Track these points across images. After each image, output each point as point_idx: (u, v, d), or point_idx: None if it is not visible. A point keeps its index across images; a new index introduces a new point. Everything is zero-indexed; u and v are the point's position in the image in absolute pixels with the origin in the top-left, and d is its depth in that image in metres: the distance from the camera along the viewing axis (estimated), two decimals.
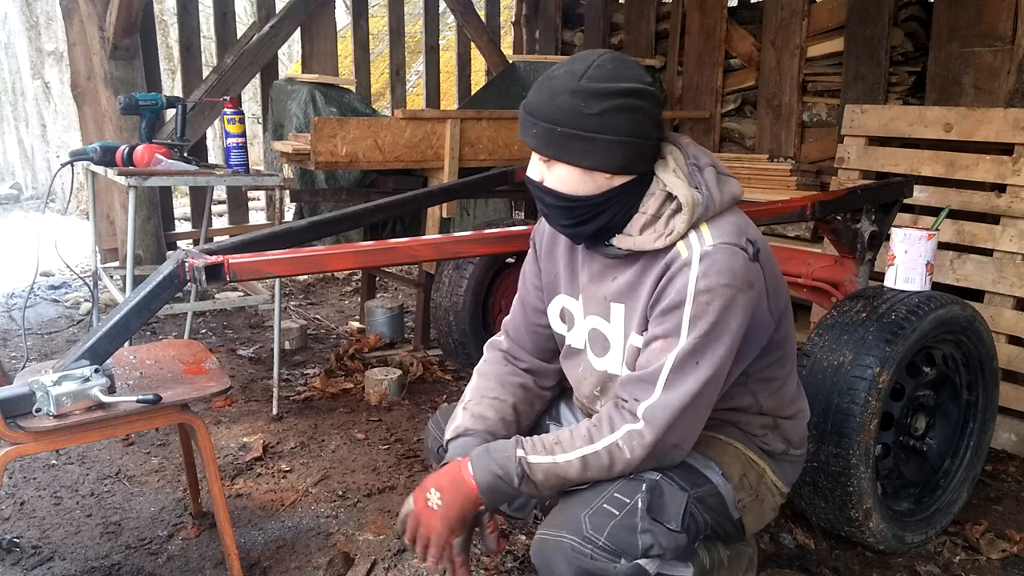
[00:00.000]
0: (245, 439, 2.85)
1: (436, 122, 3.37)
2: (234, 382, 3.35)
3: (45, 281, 5.02)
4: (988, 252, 2.93)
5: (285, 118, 4.02)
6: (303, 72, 5.17)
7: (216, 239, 4.69)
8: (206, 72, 5.07)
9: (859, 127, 3.35)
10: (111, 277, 3.45)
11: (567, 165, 1.36)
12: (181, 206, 6.74)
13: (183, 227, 5.53)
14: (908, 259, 2.17)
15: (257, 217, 6.61)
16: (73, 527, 2.28)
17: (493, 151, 3.50)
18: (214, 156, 7.57)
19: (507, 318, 1.69)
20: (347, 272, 5.27)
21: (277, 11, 5.20)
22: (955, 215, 2.97)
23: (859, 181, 3.31)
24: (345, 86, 4.08)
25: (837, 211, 2.48)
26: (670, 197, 1.38)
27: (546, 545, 1.33)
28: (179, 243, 5.02)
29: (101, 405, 1.59)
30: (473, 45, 6.03)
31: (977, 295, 2.92)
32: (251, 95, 8.67)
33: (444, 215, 3.46)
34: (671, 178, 1.38)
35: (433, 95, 6.02)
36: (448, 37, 7.28)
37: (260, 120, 6.72)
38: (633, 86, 1.32)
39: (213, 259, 1.65)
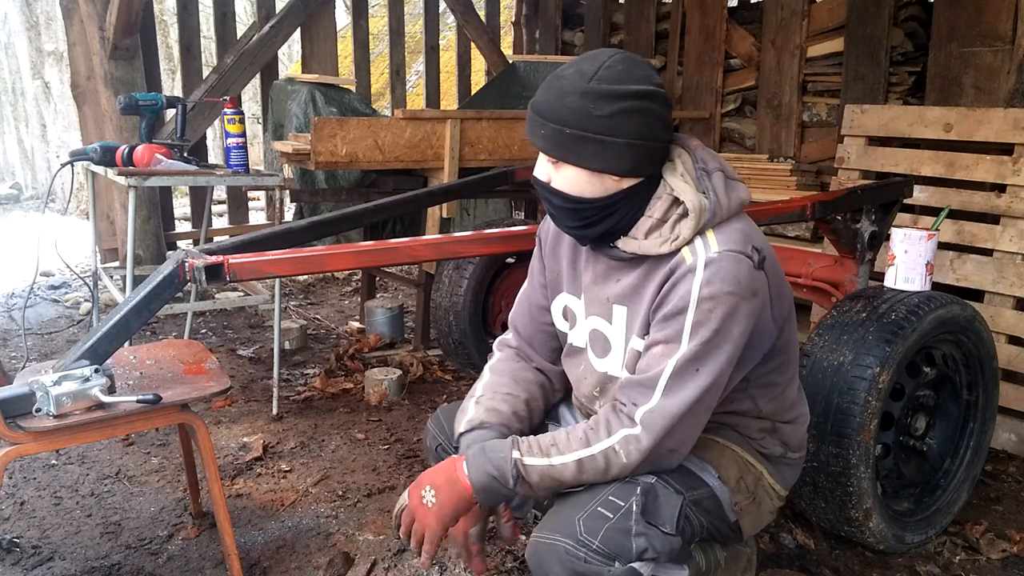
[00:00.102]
0: (245, 439, 2.85)
1: (436, 122, 3.37)
2: (234, 382, 3.35)
3: (45, 281, 5.02)
4: (988, 252, 2.93)
5: (285, 118, 4.02)
6: (303, 72, 5.17)
7: (216, 239, 4.69)
8: (206, 72, 5.07)
9: (859, 127, 3.35)
10: (111, 277, 3.45)
11: (575, 167, 1.35)
12: (181, 206, 6.75)
13: (183, 227, 5.53)
14: (908, 259, 2.16)
15: (257, 217, 6.61)
16: (73, 527, 2.28)
17: (493, 151, 3.50)
18: (214, 156, 7.57)
19: (514, 316, 1.68)
20: (347, 272, 5.27)
21: (277, 11, 5.20)
22: (955, 215, 2.97)
23: (859, 181, 3.31)
24: (345, 86, 4.08)
25: (837, 211, 2.48)
26: (676, 202, 1.37)
27: (540, 548, 1.33)
28: (179, 243, 5.03)
29: (101, 405, 1.59)
30: (473, 45, 6.03)
31: (977, 295, 2.92)
32: (251, 95, 8.67)
33: (444, 215, 3.46)
34: (678, 182, 1.37)
35: (433, 95, 6.02)
36: (448, 37, 7.28)
37: (260, 120, 6.72)
38: (644, 88, 1.31)
39: (213, 259, 1.65)
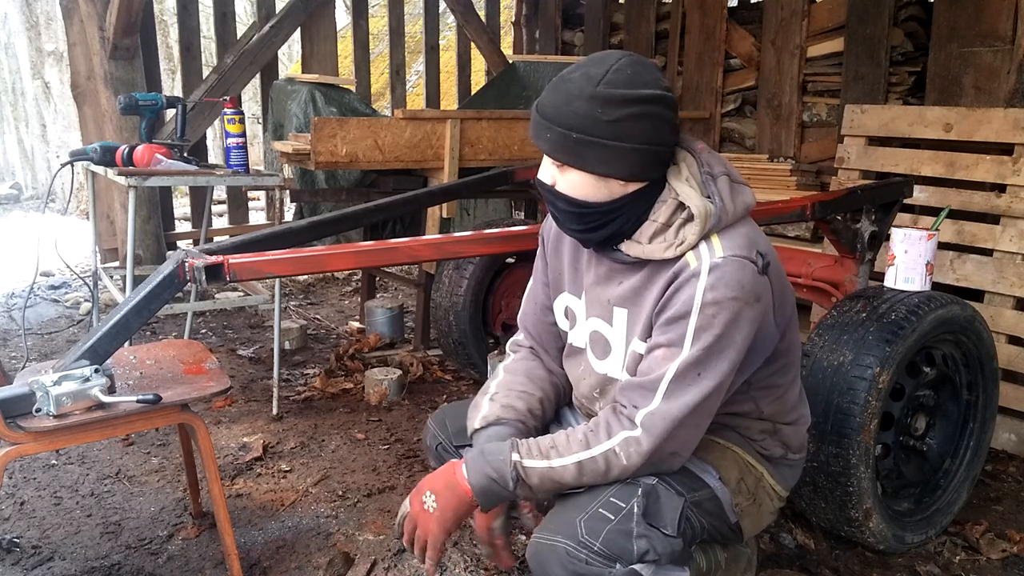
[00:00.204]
0: (245, 439, 2.85)
1: (436, 122, 3.37)
2: (234, 382, 3.35)
3: (45, 281, 5.02)
4: (988, 252, 2.93)
5: (285, 118, 4.02)
6: (303, 72, 5.17)
7: (216, 239, 4.70)
8: (206, 72, 5.07)
9: (859, 127, 3.35)
10: (111, 277, 3.45)
11: (581, 171, 1.33)
12: (181, 206, 6.75)
13: (183, 227, 5.53)
14: (908, 259, 2.16)
15: (257, 217, 6.61)
16: (73, 527, 2.28)
17: (493, 151, 3.50)
18: (214, 156, 7.57)
19: (522, 316, 1.68)
20: (347, 272, 5.27)
21: (277, 11, 5.20)
22: (955, 215, 2.97)
23: (859, 181, 3.30)
24: (345, 86, 4.08)
25: (837, 211, 2.48)
26: (681, 206, 1.36)
27: (541, 549, 1.32)
28: (179, 243, 5.03)
29: (101, 405, 1.59)
30: (473, 45, 6.03)
31: (977, 295, 2.92)
32: (251, 95, 8.67)
33: (444, 215, 3.46)
34: (683, 187, 1.36)
35: (433, 95, 6.03)
36: (448, 37, 7.28)
37: (260, 120, 6.73)
38: (652, 92, 1.30)
39: (213, 259, 1.65)
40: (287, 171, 3.92)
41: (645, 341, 1.39)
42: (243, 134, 3.15)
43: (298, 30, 5.32)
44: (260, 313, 4.40)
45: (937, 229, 2.36)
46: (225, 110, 3.16)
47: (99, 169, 3.07)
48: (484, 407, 1.52)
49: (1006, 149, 2.94)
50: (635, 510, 1.31)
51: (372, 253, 1.94)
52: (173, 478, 2.56)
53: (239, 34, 5.15)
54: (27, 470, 2.60)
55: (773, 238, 3.72)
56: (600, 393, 1.51)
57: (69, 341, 3.93)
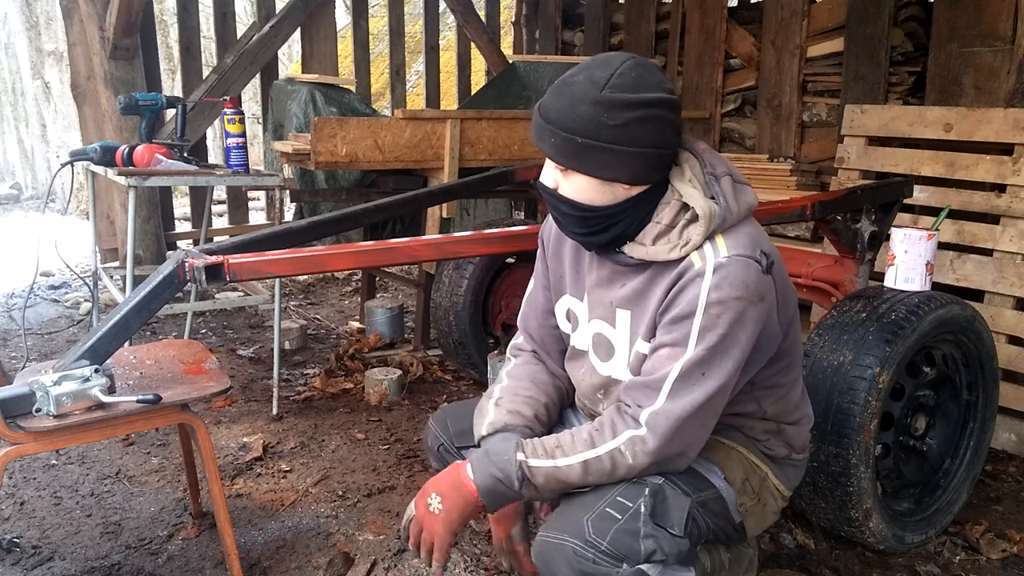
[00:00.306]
0: (245, 439, 2.85)
1: (436, 122, 3.37)
2: (234, 382, 3.35)
3: (45, 281, 5.02)
4: (988, 252, 2.93)
5: (285, 118, 4.02)
6: (303, 72, 5.17)
7: (216, 239, 4.70)
8: (206, 72, 5.07)
9: (859, 127, 3.35)
10: (111, 277, 3.45)
11: (585, 175, 1.33)
12: (181, 206, 6.75)
13: (183, 227, 5.53)
14: (908, 259, 2.16)
15: (257, 217, 6.61)
16: (73, 527, 2.28)
17: (493, 151, 3.50)
18: (214, 156, 7.57)
19: (523, 319, 1.67)
20: (347, 272, 5.27)
21: (277, 11, 5.20)
22: (955, 215, 2.97)
23: (859, 181, 3.31)
24: (345, 86, 4.08)
25: (837, 211, 2.48)
26: (685, 207, 1.36)
27: (548, 547, 1.32)
28: (179, 243, 5.03)
29: (101, 405, 1.59)
30: (473, 45, 6.03)
31: (977, 295, 2.92)
32: (251, 95, 8.67)
33: (444, 215, 3.46)
34: (687, 188, 1.36)
35: (433, 95, 6.03)
36: (448, 37, 7.29)
37: (260, 120, 6.73)
38: (657, 96, 1.29)
39: (213, 259, 1.65)
40: (287, 171, 3.92)
41: (649, 341, 1.39)
42: (243, 134, 3.15)
43: (298, 30, 5.32)
44: (260, 313, 4.40)
45: (937, 229, 2.36)
46: (225, 110, 3.16)
47: (99, 169, 3.07)
48: (490, 413, 1.50)
49: (1006, 149, 2.94)
50: (642, 510, 1.31)
51: (372, 253, 1.94)
52: (173, 478, 2.56)
53: (239, 34, 5.15)
54: (27, 470, 2.60)
55: (773, 238, 3.71)
56: (604, 394, 1.51)
57: (69, 341, 3.93)
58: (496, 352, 3.05)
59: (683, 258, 1.34)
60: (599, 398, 1.52)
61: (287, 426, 2.97)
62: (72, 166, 3.20)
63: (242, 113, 3.19)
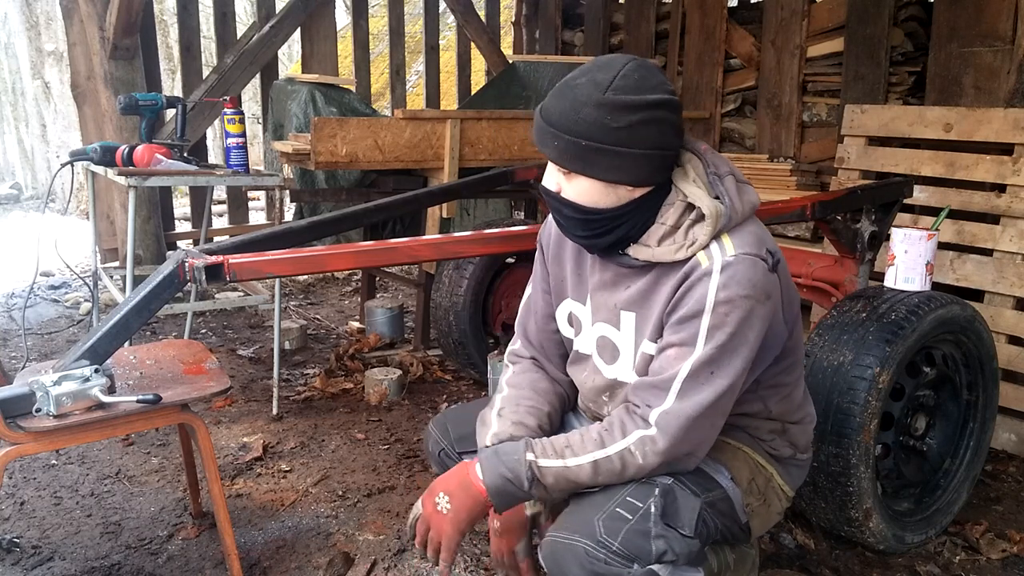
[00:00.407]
0: (245, 439, 2.85)
1: (436, 122, 3.37)
2: (234, 382, 3.35)
3: (45, 281, 5.02)
4: (988, 252, 2.93)
5: (285, 118, 4.02)
6: (303, 72, 5.17)
7: (216, 239, 4.70)
8: (206, 72, 5.07)
9: (859, 127, 3.35)
10: (111, 277, 3.46)
11: (590, 178, 1.33)
12: (181, 206, 6.75)
13: (183, 227, 5.53)
14: (908, 259, 2.16)
15: (257, 217, 6.62)
16: (73, 527, 2.28)
17: (493, 151, 3.50)
18: (214, 156, 7.58)
19: (521, 325, 1.66)
20: (347, 272, 5.27)
21: (277, 11, 5.20)
22: (955, 215, 2.97)
23: (859, 181, 3.31)
24: (345, 86, 4.08)
25: (837, 211, 2.48)
26: (689, 207, 1.36)
27: (558, 548, 1.31)
28: (179, 243, 5.03)
29: (101, 405, 1.59)
30: (473, 45, 6.03)
31: (977, 295, 2.92)
32: (251, 95, 8.67)
33: (444, 215, 3.46)
34: (691, 188, 1.36)
35: (433, 95, 6.03)
36: (448, 37, 7.28)
37: (260, 120, 6.73)
38: (661, 97, 1.29)
39: (213, 259, 1.65)
40: (287, 171, 3.92)
41: (655, 342, 1.39)
42: (243, 134, 3.15)
43: (298, 30, 5.32)
44: (260, 313, 4.40)
45: (937, 229, 2.36)
46: (225, 110, 3.16)
47: (99, 169, 3.07)
48: (494, 424, 1.49)
49: (1006, 149, 2.94)
50: (652, 510, 1.31)
51: (372, 253, 1.94)
52: (173, 478, 2.56)
53: (239, 34, 5.15)
54: (27, 470, 2.60)
55: (773, 238, 3.72)
56: (609, 397, 1.51)
57: (69, 341, 3.93)
58: (496, 352, 3.05)
59: (689, 258, 1.34)
60: (604, 400, 1.52)
61: (287, 426, 2.97)
62: (72, 166, 3.20)
63: (242, 113, 3.19)
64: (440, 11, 6.09)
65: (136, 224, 3.06)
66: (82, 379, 1.57)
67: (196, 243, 4.86)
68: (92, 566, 2.09)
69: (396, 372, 3.31)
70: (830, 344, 2.05)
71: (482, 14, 6.10)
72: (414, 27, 8.47)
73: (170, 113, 4.27)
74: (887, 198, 2.54)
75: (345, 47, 6.19)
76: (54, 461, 2.67)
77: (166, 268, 1.67)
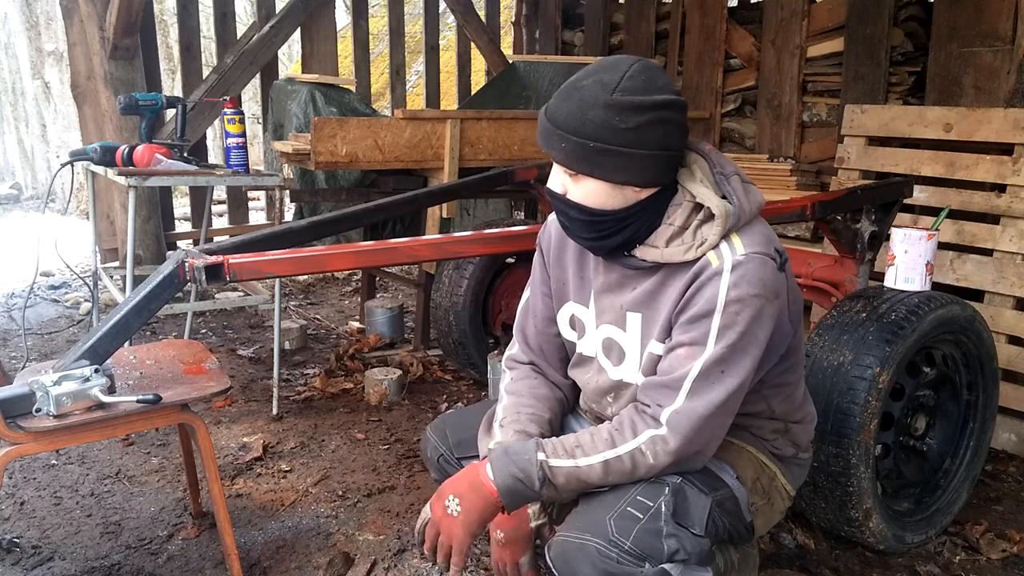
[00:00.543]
0: (245, 439, 2.85)
1: (436, 122, 3.37)
2: (234, 382, 3.35)
3: (45, 281, 5.02)
4: (988, 252, 2.93)
5: (285, 118, 4.02)
6: (303, 72, 5.17)
7: (216, 239, 4.70)
8: (206, 72, 5.07)
9: (859, 127, 3.35)
10: (111, 277, 3.45)
11: (596, 180, 1.33)
12: (181, 206, 6.75)
13: (183, 227, 5.53)
14: (908, 259, 2.17)
15: (257, 217, 6.61)
16: (73, 527, 2.28)
17: (493, 151, 3.50)
18: (214, 156, 7.57)
19: (519, 329, 1.65)
20: (347, 272, 5.27)
21: (277, 11, 5.20)
22: (955, 215, 2.97)
23: (859, 181, 3.31)
24: (345, 86, 4.08)
25: (837, 211, 2.48)
26: (697, 207, 1.36)
27: (569, 548, 1.31)
28: (179, 243, 5.03)
29: (101, 405, 1.59)
30: (473, 45, 6.03)
31: (977, 295, 2.92)
32: (251, 95, 8.67)
33: (444, 215, 3.46)
34: (699, 188, 1.36)
35: (433, 95, 6.02)
36: (448, 37, 7.28)
37: (260, 120, 6.73)
38: (668, 98, 1.30)
39: (213, 259, 1.65)
40: (287, 171, 3.92)
41: (663, 342, 1.39)
42: (243, 134, 3.15)
43: (298, 30, 5.32)
44: (260, 313, 4.40)
45: (937, 229, 2.36)
46: (225, 110, 3.16)
47: (99, 169, 3.07)
48: (496, 435, 1.49)
49: (1006, 149, 2.94)
50: (663, 509, 1.31)
51: (372, 253, 1.94)
52: (173, 478, 2.56)
53: (239, 34, 5.15)
54: (27, 470, 2.60)
55: None
56: (614, 398, 1.51)
57: (69, 341, 3.93)
58: (496, 352, 3.05)
59: (699, 258, 1.34)
60: (608, 401, 1.52)
61: (287, 426, 2.97)
62: (72, 166, 3.20)
63: (242, 113, 3.19)
64: (440, 11, 6.09)
65: (136, 224, 3.06)
66: (82, 379, 1.57)
67: (196, 243, 4.86)
68: (92, 566, 2.09)
69: (396, 372, 3.31)
70: (830, 344, 2.05)
71: (482, 14, 6.10)
72: (414, 27, 8.47)
73: (170, 113, 4.27)
74: (887, 198, 2.54)
75: (345, 47, 6.19)
76: (54, 461, 2.67)
77: (166, 268, 1.67)
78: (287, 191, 3.64)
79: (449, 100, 6.79)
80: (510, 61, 5.16)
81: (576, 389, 1.64)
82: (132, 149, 3.04)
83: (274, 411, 3.05)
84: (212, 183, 3.22)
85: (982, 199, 2.95)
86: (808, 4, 3.97)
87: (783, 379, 1.48)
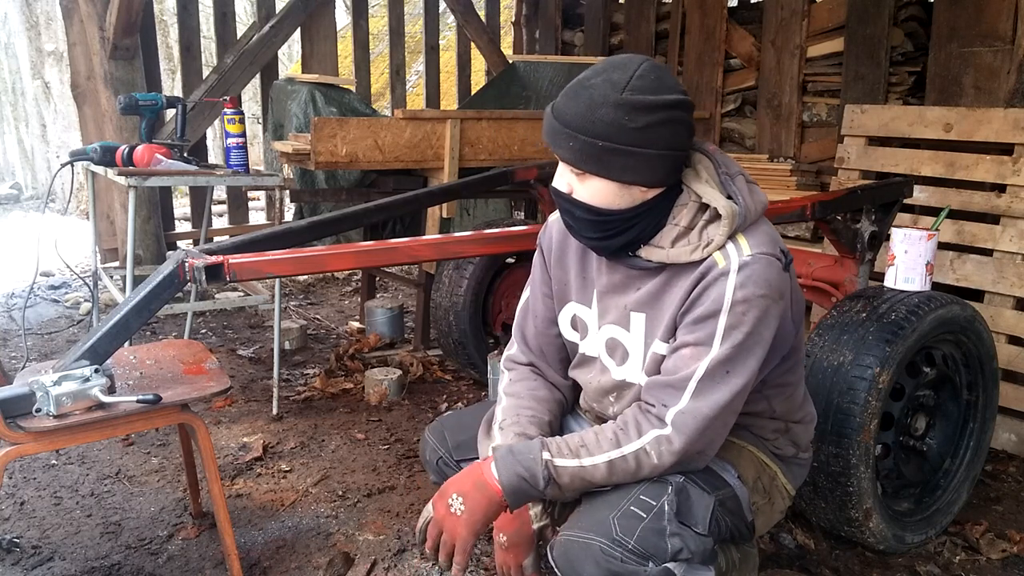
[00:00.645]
0: (245, 439, 2.85)
1: (436, 122, 3.37)
2: (234, 382, 3.35)
3: (45, 281, 5.02)
4: (988, 252, 2.93)
5: (285, 118, 4.02)
6: (303, 72, 5.17)
7: (216, 239, 4.70)
8: (206, 72, 5.07)
9: (859, 127, 3.35)
10: (111, 277, 3.45)
11: (604, 179, 1.32)
12: (181, 206, 6.75)
13: (183, 227, 5.53)
14: (908, 259, 2.17)
15: (257, 217, 6.61)
16: (73, 527, 2.28)
17: (493, 151, 3.50)
18: (214, 156, 7.57)
19: (519, 329, 1.65)
20: (347, 272, 5.27)
21: (277, 11, 5.20)
22: (955, 215, 2.97)
23: (859, 181, 3.31)
24: (345, 86, 4.08)
25: (837, 211, 2.48)
26: (703, 208, 1.36)
27: (573, 547, 1.31)
28: (179, 243, 5.02)
29: (101, 405, 1.59)
30: (473, 45, 6.03)
31: (977, 295, 2.92)
32: (251, 95, 8.67)
33: (444, 215, 3.46)
34: (705, 188, 1.36)
35: (433, 95, 6.02)
36: (448, 37, 7.28)
37: (260, 120, 6.73)
38: (676, 98, 1.30)
39: (213, 259, 1.65)
40: (287, 171, 3.92)
41: (667, 342, 1.39)
42: (243, 134, 3.15)
43: (298, 30, 5.32)
44: (260, 313, 4.40)
45: (937, 229, 2.36)
46: (225, 110, 3.16)
47: (99, 169, 3.07)
48: (496, 438, 1.49)
49: (1006, 149, 2.94)
50: (667, 508, 1.31)
51: (372, 253, 1.94)
52: (173, 478, 2.56)
53: (239, 34, 5.15)
54: (27, 470, 2.60)
55: None
56: (616, 397, 1.51)
57: (69, 341, 3.93)
58: (496, 352, 3.05)
59: (705, 259, 1.34)
60: (610, 401, 1.52)
61: (287, 426, 2.97)
62: (72, 166, 3.20)
63: (242, 113, 3.19)
64: (440, 11, 6.09)
65: (136, 224, 3.06)
66: (82, 379, 1.57)
67: (196, 243, 4.86)
68: (92, 566, 2.09)
69: (396, 372, 3.31)
70: (830, 344, 2.05)
71: (482, 14, 6.10)
72: (414, 27, 8.47)
73: (170, 113, 4.27)
74: (887, 198, 2.54)
75: (345, 47, 6.19)
76: (54, 461, 2.67)
77: (166, 268, 1.67)
78: (287, 191, 3.64)
79: (449, 100, 6.79)
80: (510, 61, 5.16)
81: (575, 390, 1.64)
82: (132, 149, 3.04)
83: (274, 411, 3.05)
84: (212, 183, 3.22)
85: (982, 199, 2.95)
86: (808, 4, 3.97)
87: (784, 379, 1.48)
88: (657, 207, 1.37)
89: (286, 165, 3.80)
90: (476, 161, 3.46)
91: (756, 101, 4.29)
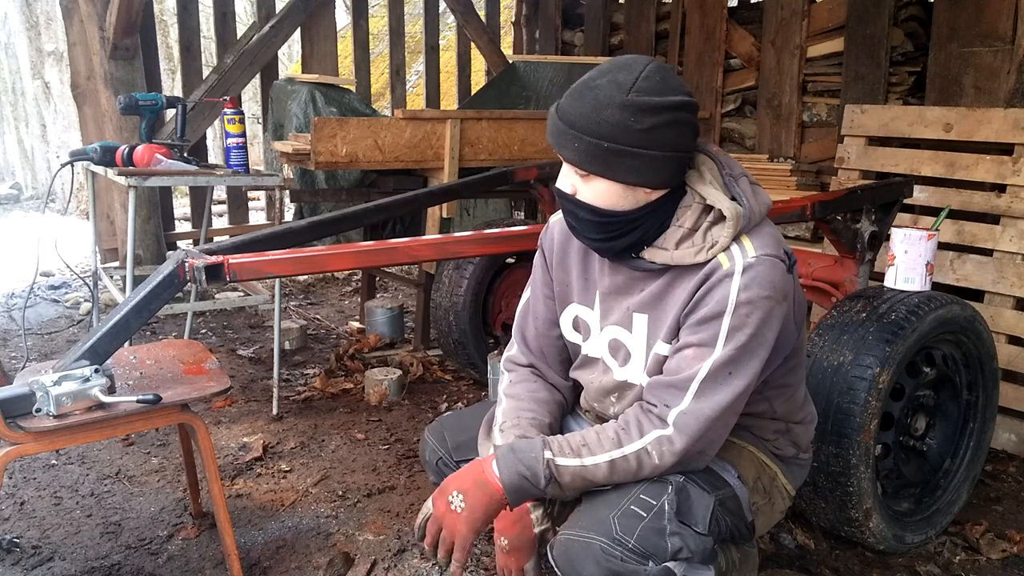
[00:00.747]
0: (245, 439, 2.85)
1: (436, 122, 3.37)
2: (234, 382, 3.35)
3: (45, 281, 5.02)
4: (988, 252, 2.93)
5: (285, 118, 4.02)
6: (303, 72, 5.17)
7: (216, 239, 4.70)
8: (206, 72, 5.07)
9: (859, 127, 3.35)
10: (111, 277, 3.46)
11: (608, 180, 1.32)
12: (181, 206, 6.75)
13: (183, 227, 5.53)
14: (908, 259, 2.17)
15: (257, 217, 6.61)
16: (73, 527, 2.28)
17: (493, 151, 3.50)
18: (214, 156, 7.57)
19: (519, 330, 1.64)
20: (347, 272, 5.27)
21: (277, 11, 5.20)
22: (955, 215, 2.97)
23: (859, 181, 3.31)
24: (345, 86, 4.08)
25: (837, 211, 2.48)
26: (707, 209, 1.36)
27: (573, 546, 1.31)
28: (179, 243, 5.03)
29: (101, 405, 1.59)
30: (473, 45, 6.04)
31: (977, 295, 2.92)
32: (251, 95, 8.67)
33: (444, 215, 3.46)
34: (709, 190, 1.35)
35: (433, 95, 6.03)
36: (448, 37, 7.28)
37: (260, 120, 6.73)
38: (682, 99, 1.29)
39: (213, 259, 1.65)
40: (287, 171, 3.92)
41: (670, 343, 1.39)
42: (243, 134, 3.15)
43: (298, 30, 5.32)
44: (260, 313, 4.40)
45: (937, 229, 2.36)
46: (225, 110, 3.16)
47: (99, 169, 3.07)
48: (496, 439, 1.49)
49: (1006, 149, 2.94)
50: (667, 508, 1.31)
51: (372, 253, 1.94)
52: (173, 478, 2.56)
53: (239, 34, 5.15)
54: (27, 470, 2.60)
55: None
56: (617, 398, 1.51)
57: (69, 341, 3.93)
58: (496, 352, 3.05)
59: (709, 260, 1.34)
60: (611, 401, 1.52)
61: (287, 426, 2.97)
62: (72, 166, 3.20)
63: (242, 113, 3.19)
64: (440, 11, 6.09)
65: (136, 224, 3.06)
66: (82, 379, 1.57)
67: (196, 243, 4.86)
68: (92, 566, 2.09)
69: (396, 372, 3.31)
70: (830, 344, 2.05)
71: (482, 14, 6.10)
72: (414, 27, 8.47)
73: (170, 113, 4.27)
74: (887, 198, 2.54)
75: (345, 47, 6.19)
76: (54, 461, 2.67)
77: (166, 268, 1.67)
78: (287, 191, 3.65)
79: (449, 100, 6.79)
80: (510, 61, 5.16)
81: (575, 390, 1.63)
82: (132, 149, 3.04)
83: (274, 411, 3.05)
84: (212, 183, 3.22)
85: (982, 199, 2.96)
86: (808, 4, 3.97)
87: (785, 380, 1.48)
88: (661, 209, 1.36)
89: (286, 165, 3.80)
90: (476, 161, 3.46)
91: (756, 101, 4.29)
